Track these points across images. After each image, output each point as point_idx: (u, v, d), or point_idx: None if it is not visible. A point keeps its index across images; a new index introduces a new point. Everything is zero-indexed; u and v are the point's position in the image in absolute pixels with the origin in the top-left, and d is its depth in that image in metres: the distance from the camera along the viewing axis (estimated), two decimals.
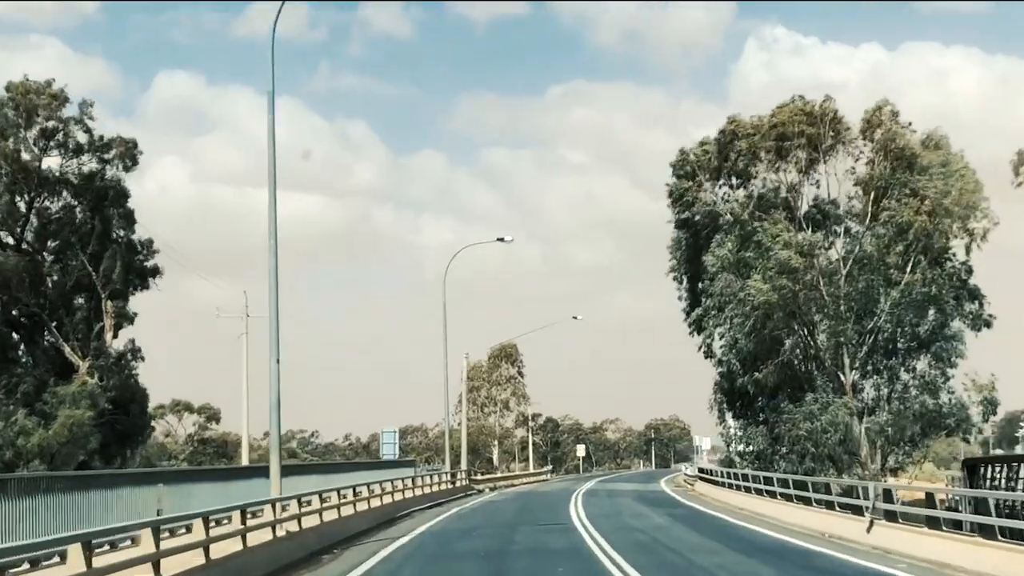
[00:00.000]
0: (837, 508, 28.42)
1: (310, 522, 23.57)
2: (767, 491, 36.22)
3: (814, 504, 29.97)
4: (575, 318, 78.21)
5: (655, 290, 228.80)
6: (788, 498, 32.38)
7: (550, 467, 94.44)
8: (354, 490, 29.42)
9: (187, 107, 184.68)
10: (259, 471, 33.75)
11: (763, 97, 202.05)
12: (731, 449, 49.84)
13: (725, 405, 49.35)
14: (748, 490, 38.65)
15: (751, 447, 46.70)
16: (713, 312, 47.62)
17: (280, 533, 20.43)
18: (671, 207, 48.48)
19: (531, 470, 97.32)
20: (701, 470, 57.43)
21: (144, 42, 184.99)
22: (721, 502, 41.00)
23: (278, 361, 21.88)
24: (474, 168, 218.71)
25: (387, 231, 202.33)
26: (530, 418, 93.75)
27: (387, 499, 35.43)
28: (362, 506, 30.20)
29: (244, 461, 62.47)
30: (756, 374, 45.68)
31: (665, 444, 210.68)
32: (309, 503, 24.36)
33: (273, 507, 20.05)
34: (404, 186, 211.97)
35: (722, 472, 47.82)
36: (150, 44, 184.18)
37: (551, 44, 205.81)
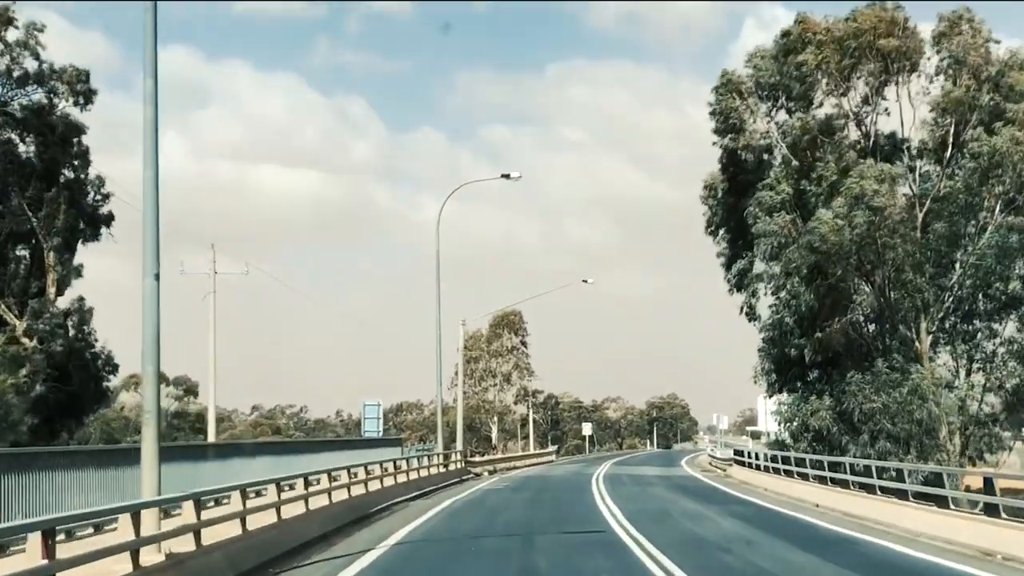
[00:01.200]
0: (958, 507, 20.45)
1: (225, 532, 15.39)
2: (835, 479, 28.27)
3: (911, 498, 22.05)
4: (585, 281, 69.98)
5: (654, 269, 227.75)
6: (870, 489, 24.46)
7: (555, 448, 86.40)
8: (306, 480, 21.09)
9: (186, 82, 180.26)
10: (185, 452, 25.65)
11: None
12: (781, 428, 41.48)
13: (774, 375, 41.10)
14: (811, 478, 30.69)
15: (809, 424, 38.36)
16: (763, 262, 39.37)
17: (153, 559, 12.19)
18: (715, 132, 40.06)
19: (532, 451, 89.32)
20: (738, 452, 49.21)
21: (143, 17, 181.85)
22: (781, 495, 32.75)
23: (156, 278, 13.61)
24: (473, 145, 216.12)
25: (386, 208, 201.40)
26: (531, 393, 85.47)
27: (363, 487, 27.25)
28: (320, 500, 21.96)
29: (210, 437, 54.41)
30: (817, 334, 37.49)
31: (669, 423, 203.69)
32: (220, 502, 16.02)
33: (135, 519, 11.69)
34: (403, 163, 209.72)
35: (771, 456, 39.64)
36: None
37: (550, 22, 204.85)
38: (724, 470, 52.30)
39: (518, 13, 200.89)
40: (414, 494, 33.95)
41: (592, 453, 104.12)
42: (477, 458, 54.98)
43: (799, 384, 40.00)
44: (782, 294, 39.43)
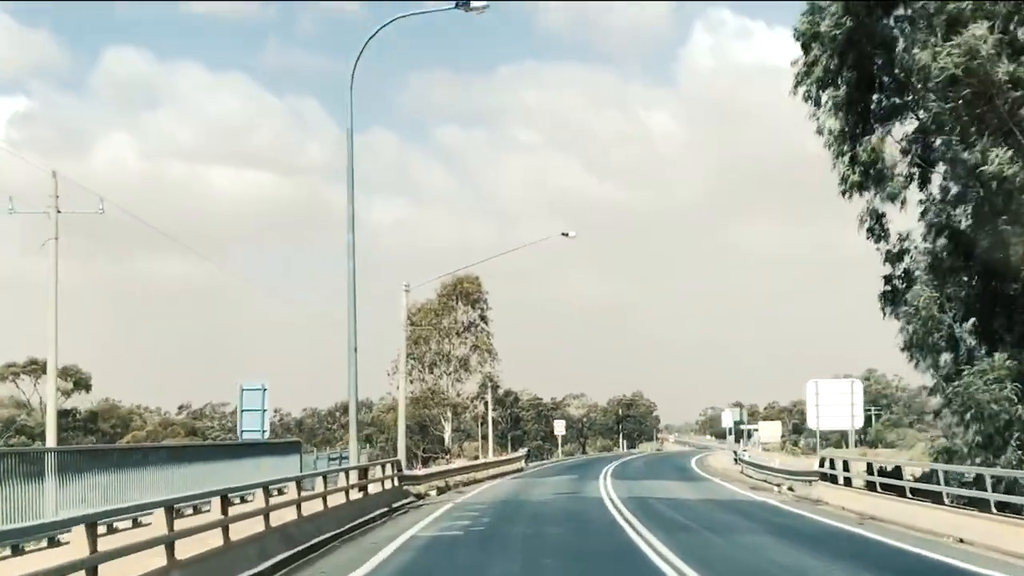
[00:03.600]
0: None
1: None
2: None
3: None
4: (565, 235, 52.14)
5: (608, 271, 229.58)
6: None
7: (524, 451, 68.49)
8: None
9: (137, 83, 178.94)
10: None
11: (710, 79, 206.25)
12: (956, 426, 23.83)
13: (946, 324, 23.59)
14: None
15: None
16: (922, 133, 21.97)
17: None
18: None
19: (492, 456, 71.46)
20: (824, 463, 31.68)
21: (92, 16, 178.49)
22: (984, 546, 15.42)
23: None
24: (426, 146, 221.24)
25: (340, 209, 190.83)
26: (494, 382, 67.38)
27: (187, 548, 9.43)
28: None
29: (49, 438, 35.96)
30: None
31: (638, 422, 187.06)
32: None
33: None
34: (356, 164, 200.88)
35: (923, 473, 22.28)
36: (98, 19, 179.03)
37: (501, 25, 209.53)
38: (787, 487, 35.18)
39: (469, 15, 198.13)
40: (279, 558, 16.13)
41: (564, 457, 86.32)
42: (420, 470, 37.09)
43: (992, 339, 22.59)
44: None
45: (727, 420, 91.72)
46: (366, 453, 46.21)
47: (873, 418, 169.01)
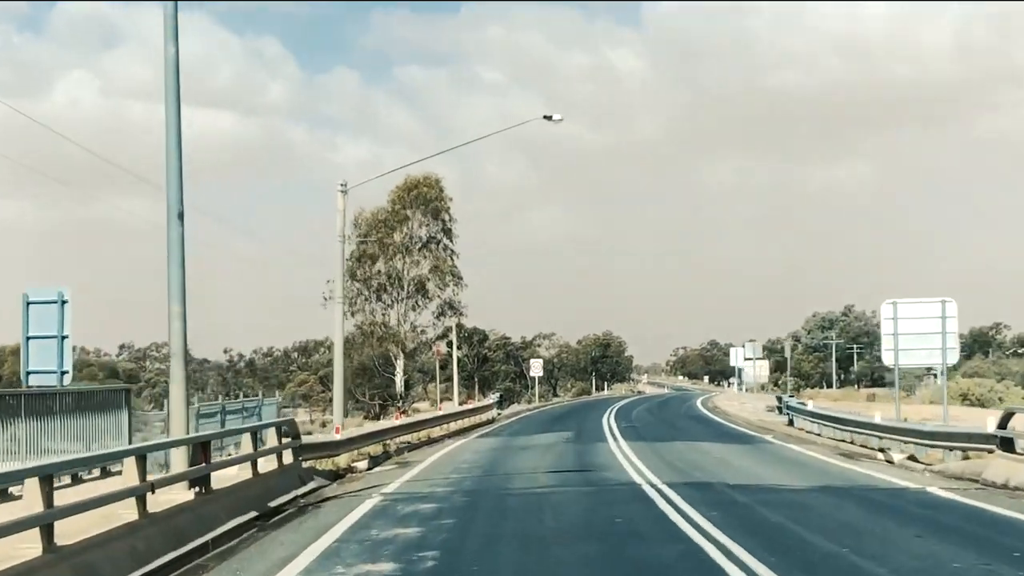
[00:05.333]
0: None
1: None
2: None
3: None
4: (548, 118, 39.11)
5: (574, 211, 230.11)
6: None
7: (496, 397, 55.65)
8: None
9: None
10: None
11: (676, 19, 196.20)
12: None
13: None
14: None
15: None
16: None
17: None
18: None
19: (456, 403, 59.19)
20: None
21: None
22: None
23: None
24: (389, 86, 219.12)
25: (303, 149, 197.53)
26: (452, 311, 54.02)
27: None
28: None
29: None
30: None
31: (615, 363, 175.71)
32: None
33: None
34: (319, 104, 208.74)
35: None
36: None
37: None
38: (901, 454, 22.91)
39: None
40: None
41: (541, 403, 73.74)
42: (338, 435, 24.20)
43: None
44: None
45: (737, 358, 79.65)
46: (275, 406, 33.39)
47: (855, 356, 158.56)
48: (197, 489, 13.69)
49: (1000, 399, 78.01)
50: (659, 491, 16.67)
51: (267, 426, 18.06)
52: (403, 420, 31.89)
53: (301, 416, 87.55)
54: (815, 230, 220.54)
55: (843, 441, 28.34)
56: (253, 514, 15.05)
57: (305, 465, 20.06)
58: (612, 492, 17.16)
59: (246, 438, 16.69)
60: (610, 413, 50.46)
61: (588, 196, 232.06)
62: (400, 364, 51.78)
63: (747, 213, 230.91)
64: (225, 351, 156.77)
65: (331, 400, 72.13)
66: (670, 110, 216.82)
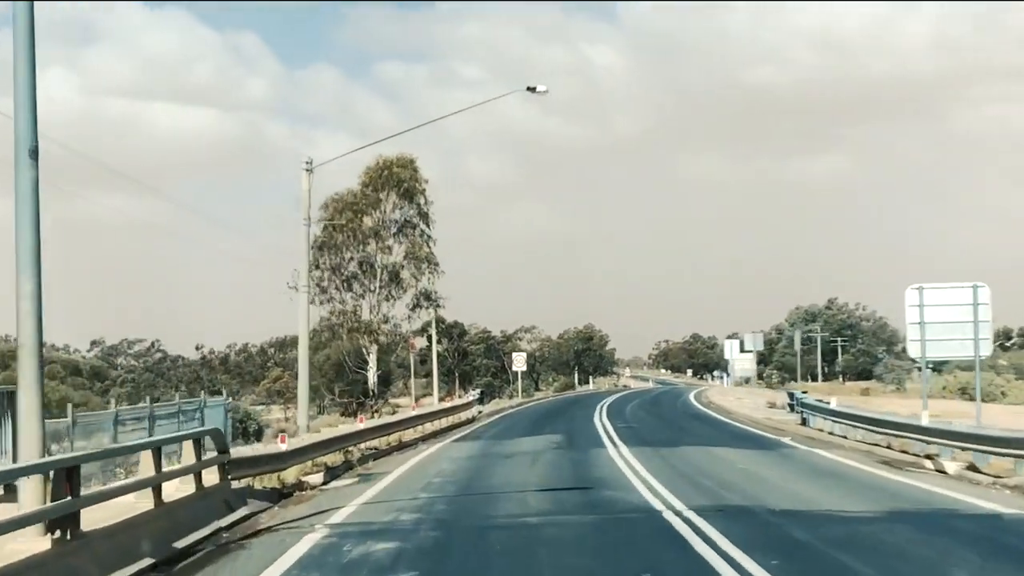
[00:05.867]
0: None
1: None
2: None
3: None
4: (532, 89, 35.27)
5: (555, 206, 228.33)
6: None
7: (477, 394, 51.67)
8: None
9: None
10: None
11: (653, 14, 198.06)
12: None
13: None
14: None
15: None
16: None
17: None
18: None
19: (438, 401, 55.51)
20: None
21: None
22: None
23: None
24: (368, 82, 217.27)
25: (282, 145, 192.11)
26: (428, 302, 49.96)
27: None
28: None
29: None
30: None
31: (599, 356, 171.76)
32: None
33: None
34: (298, 100, 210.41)
35: None
36: None
37: None
38: (954, 463, 19.19)
39: None
40: None
41: (525, 399, 69.84)
42: (305, 440, 20.26)
43: None
44: None
45: (731, 351, 75.88)
46: (222, 408, 29.30)
47: (840, 349, 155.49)
48: (57, 534, 9.73)
49: (1003, 393, 74.50)
50: (688, 522, 12.79)
51: (178, 439, 14.02)
52: (367, 423, 27.83)
53: (275, 414, 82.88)
54: (795, 224, 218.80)
55: (876, 445, 24.55)
56: (147, 563, 11.10)
57: (239, 484, 16.13)
58: (626, 524, 13.25)
59: (186, 448, 12.70)
60: (601, 410, 46.63)
61: (569, 191, 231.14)
62: (373, 359, 47.75)
63: (727, 207, 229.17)
64: (197, 348, 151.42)
65: (343, 390, 68.15)
66: (649, 106, 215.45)
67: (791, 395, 33.46)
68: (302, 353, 36.35)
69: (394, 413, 40.54)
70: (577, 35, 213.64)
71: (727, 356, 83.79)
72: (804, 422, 31.76)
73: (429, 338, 65.61)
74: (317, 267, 46.04)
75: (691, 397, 64.12)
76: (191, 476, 13.70)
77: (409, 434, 29.86)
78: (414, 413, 31.31)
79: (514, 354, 71.46)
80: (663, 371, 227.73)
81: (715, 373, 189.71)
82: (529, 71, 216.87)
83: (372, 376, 47.54)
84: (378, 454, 25.11)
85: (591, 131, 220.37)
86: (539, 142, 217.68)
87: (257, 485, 17.31)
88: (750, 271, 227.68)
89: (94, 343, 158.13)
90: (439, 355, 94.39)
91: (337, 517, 14.51)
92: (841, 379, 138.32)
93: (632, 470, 19.64)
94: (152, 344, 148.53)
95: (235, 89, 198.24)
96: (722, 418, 39.47)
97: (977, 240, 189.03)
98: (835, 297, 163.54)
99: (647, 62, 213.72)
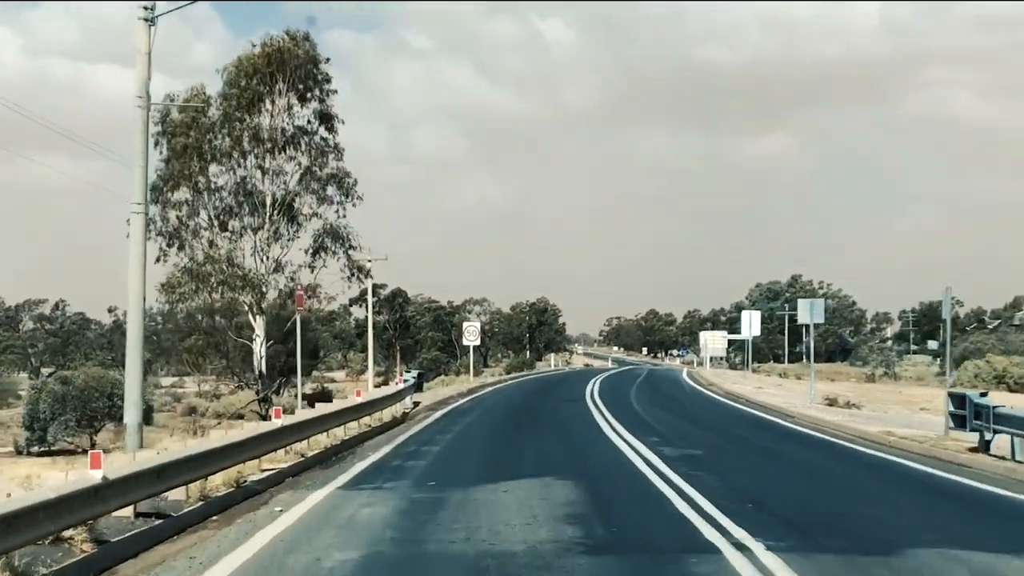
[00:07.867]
0: None
1: None
2: None
3: None
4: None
5: (504, 179, 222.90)
6: None
7: (412, 378, 36.05)
8: None
9: None
10: None
11: None
12: None
13: None
14: None
15: None
16: None
17: None
18: None
19: (375, 388, 40.52)
20: None
21: None
22: None
23: None
24: (316, 50, 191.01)
25: None
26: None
27: None
28: None
29: None
30: None
31: (557, 331, 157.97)
32: None
33: None
34: None
35: None
36: None
37: None
38: None
39: None
40: None
41: (475, 385, 54.36)
42: None
43: None
44: None
45: (708, 342, 61.59)
46: None
47: (805, 330, 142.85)
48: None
49: None
50: None
51: None
52: (182, 450, 12.53)
53: (188, 386, 67.50)
54: (748, 201, 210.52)
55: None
56: None
57: None
58: None
59: None
60: (599, 407, 31.85)
61: (519, 165, 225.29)
62: (260, 325, 32.49)
63: (679, 183, 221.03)
64: (110, 310, 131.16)
65: (227, 367, 51.01)
66: (599, 81, 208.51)
67: (958, 398, 18.53)
68: (133, 315, 21.71)
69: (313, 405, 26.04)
70: (528, 7, 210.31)
71: (743, 335, 69.59)
72: (986, 447, 17.29)
73: (365, 306, 50.89)
74: (175, 186, 30.86)
75: (696, 385, 49.82)
76: None
77: (286, 460, 14.85)
78: (280, 423, 16.22)
79: (465, 324, 56.15)
80: (616, 348, 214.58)
81: (674, 352, 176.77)
82: (479, 42, 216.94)
83: (259, 350, 32.22)
84: (177, 519, 10.12)
85: (541, 105, 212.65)
86: (487, 114, 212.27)
87: None
88: (708, 247, 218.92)
89: None
90: (377, 327, 79.05)
91: None
92: (804, 360, 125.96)
93: None
94: (57, 304, 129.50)
95: (181, 54, 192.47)
96: (804, 429, 24.42)
97: (936, 223, 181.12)
98: (799, 274, 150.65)
99: (598, 38, 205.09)
